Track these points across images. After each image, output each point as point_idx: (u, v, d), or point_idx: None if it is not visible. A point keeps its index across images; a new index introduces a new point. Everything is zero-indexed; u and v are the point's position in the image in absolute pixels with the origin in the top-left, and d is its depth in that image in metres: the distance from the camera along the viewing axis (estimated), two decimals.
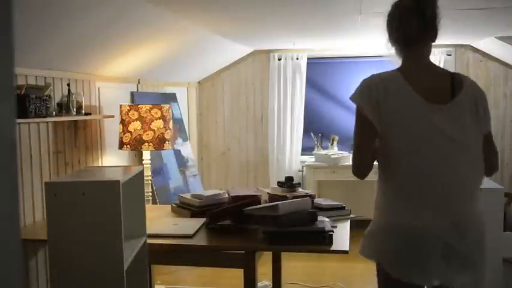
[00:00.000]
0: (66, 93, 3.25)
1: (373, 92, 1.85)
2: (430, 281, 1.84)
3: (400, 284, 1.83)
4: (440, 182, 1.78)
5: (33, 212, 3.05)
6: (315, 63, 5.87)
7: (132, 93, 4.51)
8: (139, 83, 4.63)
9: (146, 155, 4.00)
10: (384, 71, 1.93)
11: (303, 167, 5.75)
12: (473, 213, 1.82)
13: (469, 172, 1.83)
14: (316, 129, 5.76)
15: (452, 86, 1.86)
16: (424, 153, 1.79)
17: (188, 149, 5.34)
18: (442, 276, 1.82)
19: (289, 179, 3.18)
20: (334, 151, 5.55)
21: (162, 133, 3.85)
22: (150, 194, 4.05)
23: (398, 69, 1.91)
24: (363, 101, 1.89)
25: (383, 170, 1.88)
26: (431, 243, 1.76)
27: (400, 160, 1.81)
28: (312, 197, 3.05)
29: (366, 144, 1.88)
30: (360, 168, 1.90)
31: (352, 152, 1.94)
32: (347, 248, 2.49)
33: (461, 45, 5.59)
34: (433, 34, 1.91)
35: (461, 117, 1.83)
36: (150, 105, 3.84)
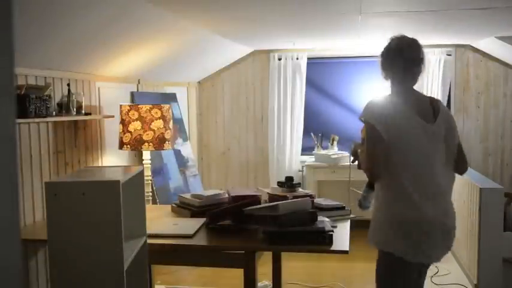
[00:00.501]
0: (66, 93, 3.25)
1: (381, 114, 2.30)
2: (432, 258, 2.39)
3: (406, 265, 2.36)
4: (433, 184, 2.32)
5: (33, 212, 3.05)
6: (315, 63, 5.87)
7: (132, 93, 4.51)
8: (139, 83, 4.63)
9: (146, 155, 4.00)
10: (382, 94, 2.43)
11: (303, 167, 5.75)
12: (451, 202, 2.41)
13: (447, 175, 2.38)
14: (316, 129, 5.76)
15: (433, 109, 2.37)
16: (422, 163, 2.31)
17: (188, 149, 5.34)
18: (438, 252, 2.39)
19: (289, 179, 3.19)
20: (334, 151, 5.55)
21: (162, 133, 3.85)
22: (150, 194, 4.05)
23: (394, 94, 2.41)
24: (375, 120, 2.29)
25: (389, 174, 2.31)
26: (432, 227, 2.29)
27: (405, 167, 2.28)
28: (312, 197, 3.06)
29: (378, 154, 2.29)
30: (375, 173, 2.34)
31: (367, 161, 2.35)
32: (347, 248, 2.49)
33: (462, 45, 5.59)
34: (422, 67, 2.53)
35: (441, 134, 2.34)
36: (150, 105, 3.84)
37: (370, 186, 2.49)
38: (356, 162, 2.52)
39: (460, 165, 2.42)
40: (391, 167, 2.28)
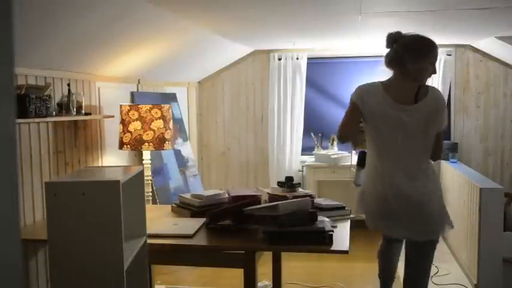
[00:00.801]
0: (66, 93, 3.25)
1: (363, 93, 2.69)
2: (400, 231, 2.70)
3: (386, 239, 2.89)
4: (406, 162, 2.61)
5: (33, 212, 3.05)
6: (315, 63, 5.87)
7: (132, 93, 4.51)
8: (139, 83, 4.63)
9: (146, 155, 4.00)
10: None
11: (303, 167, 5.75)
12: (425, 185, 2.59)
13: (417, 154, 2.63)
14: (316, 129, 5.76)
15: (416, 96, 2.63)
16: (393, 140, 2.61)
17: (188, 149, 5.34)
18: (414, 232, 2.66)
19: (289, 179, 3.19)
20: (334, 151, 5.55)
21: (162, 133, 3.85)
22: (150, 194, 4.05)
23: (382, 82, 2.72)
24: (356, 97, 2.69)
25: (370, 151, 2.73)
26: (402, 204, 2.58)
27: (379, 145, 2.67)
28: (312, 197, 3.06)
29: (351, 121, 2.70)
30: (343, 135, 2.73)
31: (340, 124, 2.71)
32: (347, 248, 2.49)
33: (462, 45, 5.59)
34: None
35: (418, 116, 2.59)
36: (150, 105, 3.84)
37: (360, 164, 2.80)
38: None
39: (433, 149, 2.65)
40: (371, 144, 2.71)
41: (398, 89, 2.65)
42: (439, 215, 2.64)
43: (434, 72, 2.72)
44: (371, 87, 2.69)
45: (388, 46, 2.70)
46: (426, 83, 2.71)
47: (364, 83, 2.76)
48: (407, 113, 2.59)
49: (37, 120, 2.88)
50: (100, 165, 3.90)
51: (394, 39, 2.68)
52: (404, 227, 2.61)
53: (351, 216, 3.09)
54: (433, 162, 2.76)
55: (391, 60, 2.68)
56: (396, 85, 2.67)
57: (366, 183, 2.73)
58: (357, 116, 2.67)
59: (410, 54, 2.62)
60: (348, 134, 2.73)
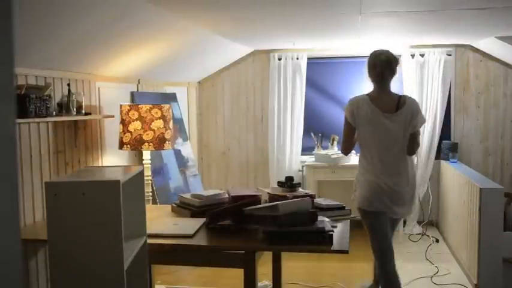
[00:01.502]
0: (66, 93, 3.25)
1: (353, 107, 3.23)
2: (385, 209, 3.19)
3: (372, 213, 3.21)
4: (388, 161, 3.20)
5: (33, 212, 3.05)
6: (315, 63, 5.87)
7: (132, 93, 4.51)
8: (139, 83, 4.63)
9: (146, 155, 4.00)
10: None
11: (303, 167, 5.75)
12: (402, 175, 3.21)
13: (398, 153, 3.20)
14: (316, 129, 5.76)
15: (397, 104, 3.19)
16: (379, 143, 3.20)
17: (188, 149, 5.34)
18: (388, 208, 3.20)
19: (289, 179, 3.18)
20: (334, 151, 5.55)
21: (162, 133, 3.85)
22: (150, 194, 4.05)
23: (368, 94, 3.27)
24: (349, 114, 3.24)
25: (360, 150, 3.30)
26: (385, 190, 3.16)
27: (367, 147, 3.23)
28: (312, 197, 3.06)
29: (349, 136, 3.30)
30: (347, 149, 3.38)
31: (342, 141, 3.36)
32: (347, 248, 2.49)
33: (462, 45, 5.59)
34: (392, 77, 3.28)
35: (399, 121, 3.17)
36: (150, 105, 3.84)
37: None
38: None
39: (409, 147, 3.22)
40: (361, 146, 3.29)
41: (383, 100, 3.23)
42: (412, 201, 3.34)
43: (391, 74, 3.28)
44: (360, 101, 3.24)
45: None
46: (386, 88, 3.27)
47: (353, 97, 3.30)
48: (390, 120, 3.18)
49: (37, 120, 2.88)
50: (100, 165, 3.90)
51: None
52: (387, 209, 3.21)
53: (351, 216, 3.09)
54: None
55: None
56: (380, 97, 3.24)
57: (359, 179, 3.30)
58: (353, 131, 3.28)
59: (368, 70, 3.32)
60: (350, 147, 3.40)
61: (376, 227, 3.24)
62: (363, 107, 3.20)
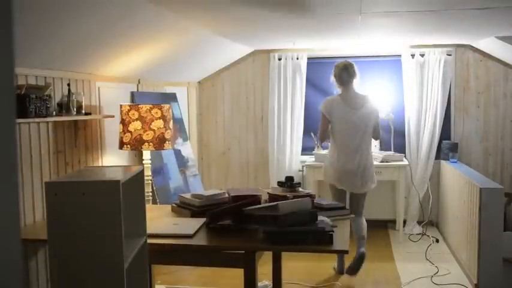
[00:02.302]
0: (66, 93, 3.25)
1: (327, 105, 4.26)
2: (348, 188, 4.27)
3: (338, 190, 4.26)
4: (353, 146, 4.17)
5: (33, 212, 3.05)
6: (315, 63, 5.87)
7: (132, 93, 4.51)
8: (139, 82, 4.63)
9: (146, 155, 4.00)
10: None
11: (303, 166, 5.75)
12: (366, 160, 4.22)
13: (363, 141, 4.20)
14: (316, 129, 5.73)
15: (362, 102, 4.22)
16: (346, 133, 4.19)
17: (188, 149, 5.34)
18: (352, 187, 4.25)
19: (290, 178, 3.18)
20: None
21: (162, 133, 3.85)
22: (150, 193, 4.05)
23: (339, 94, 4.29)
24: (325, 109, 4.24)
25: (332, 140, 4.28)
26: (350, 173, 4.17)
27: (337, 136, 4.21)
28: (312, 196, 3.05)
29: (325, 127, 4.25)
30: (322, 138, 4.35)
31: (319, 131, 4.33)
32: (347, 248, 2.49)
33: (462, 45, 5.59)
34: (354, 79, 4.26)
35: (363, 116, 4.20)
36: (150, 105, 3.84)
37: None
38: None
39: (374, 134, 4.30)
40: (332, 137, 4.26)
41: (352, 99, 4.24)
42: (370, 179, 4.25)
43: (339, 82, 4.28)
44: (334, 100, 4.27)
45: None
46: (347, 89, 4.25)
47: (327, 98, 4.41)
48: (356, 114, 4.19)
49: (37, 120, 2.88)
50: (100, 165, 3.90)
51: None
52: (349, 185, 4.23)
53: (351, 216, 3.09)
54: (375, 141, 4.60)
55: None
56: (349, 96, 4.25)
57: (328, 161, 4.31)
58: (327, 123, 4.23)
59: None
60: (325, 136, 4.31)
61: (336, 197, 4.28)
62: (336, 105, 4.20)
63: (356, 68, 4.26)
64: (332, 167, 4.22)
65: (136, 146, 3.80)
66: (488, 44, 5.20)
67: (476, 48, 5.58)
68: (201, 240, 2.64)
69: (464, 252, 4.40)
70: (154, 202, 4.41)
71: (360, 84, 4.31)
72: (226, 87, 6.04)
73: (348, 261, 4.29)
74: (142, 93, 4.67)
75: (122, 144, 3.83)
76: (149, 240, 2.55)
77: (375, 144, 4.70)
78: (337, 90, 4.34)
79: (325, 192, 5.56)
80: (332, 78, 4.29)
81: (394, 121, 5.58)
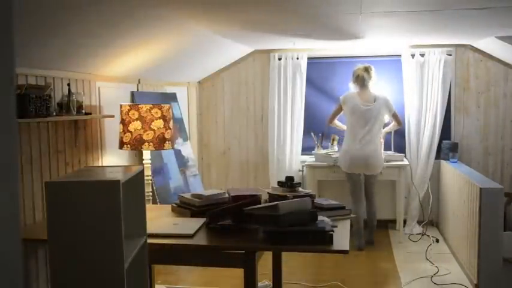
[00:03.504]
0: (66, 93, 3.25)
1: (345, 98, 5.07)
2: (357, 170, 5.00)
3: (352, 175, 5.04)
4: (360, 135, 4.92)
5: (33, 212, 3.05)
6: (315, 63, 5.87)
7: (132, 93, 4.51)
8: (139, 82, 4.63)
9: (146, 155, 4.00)
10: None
11: (303, 166, 5.75)
12: (375, 148, 4.92)
13: (374, 131, 4.92)
14: (316, 129, 5.76)
15: (374, 99, 4.97)
16: (358, 123, 4.95)
17: (188, 149, 5.34)
18: (365, 170, 5.00)
19: (290, 178, 3.18)
20: (334, 151, 5.55)
21: (163, 133, 3.85)
22: (151, 193, 4.05)
23: (357, 91, 5.03)
24: (342, 101, 5.08)
25: (346, 130, 5.08)
26: (360, 158, 4.92)
27: (348, 125, 5.03)
28: (312, 196, 3.05)
29: (336, 113, 5.24)
30: (329, 120, 5.29)
31: (330, 114, 5.28)
32: (347, 248, 2.48)
33: (462, 45, 5.59)
34: (371, 80, 5.04)
35: (375, 110, 4.94)
36: (151, 105, 3.84)
37: None
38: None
39: (396, 120, 5.17)
40: (347, 125, 5.06)
41: (365, 95, 5.00)
42: (379, 163, 4.97)
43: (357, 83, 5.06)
44: (351, 94, 5.05)
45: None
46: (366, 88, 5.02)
47: (347, 93, 5.12)
48: (369, 108, 4.93)
49: (37, 120, 2.88)
50: (100, 165, 3.90)
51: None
52: (362, 168, 4.97)
53: (351, 216, 3.09)
54: (382, 134, 5.11)
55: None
56: (363, 93, 5.01)
57: (342, 150, 5.08)
58: (339, 111, 5.17)
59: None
60: (331, 120, 5.27)
61: (352, 185, 5.07)
62: (351, 99, 5.00)
63: (374, 70, 5.04)
64: (344, 154, 5.00)
65: (136, 146, 3.80)
66: (489, 44, 5.20)
67: (477, 48, 5.58)
68: (201, 240, 2.64)
69: (464, 252, 4.40)
70: (154, 202, 4.41)
71: (375, 85, 5.07)
72: (226, 87, 6.04)
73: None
74: (142, 93, 4.67)
75: (122, 144, 3.83)
76: (149, 240, 2.55)
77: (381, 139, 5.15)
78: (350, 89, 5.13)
79: (325, 192, 5.56)
80: (352, 80, 5.10)
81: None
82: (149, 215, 2.72)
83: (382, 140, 5.11)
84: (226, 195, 3.24)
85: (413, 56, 5.59)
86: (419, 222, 5.67)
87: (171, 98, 5.19)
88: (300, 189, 3.21)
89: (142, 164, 3.93)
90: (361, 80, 4.97)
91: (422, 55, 5.59)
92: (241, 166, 6.07)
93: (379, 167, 5.02)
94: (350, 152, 4.92)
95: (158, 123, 3.82)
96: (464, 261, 4.40)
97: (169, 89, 5.29)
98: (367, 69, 5.00)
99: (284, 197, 2.99)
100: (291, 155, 5.78)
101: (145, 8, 3.12)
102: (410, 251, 5.02)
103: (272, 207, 2.62)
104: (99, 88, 3.89)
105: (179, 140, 5.16)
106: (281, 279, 3.49)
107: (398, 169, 5.33)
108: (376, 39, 5.02)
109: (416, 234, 5.51)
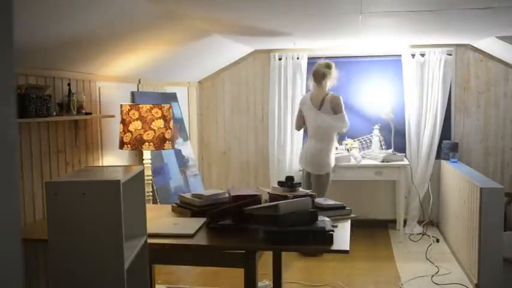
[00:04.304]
0: (66, 92, 3.25)
1: (301, 101, 5.12)
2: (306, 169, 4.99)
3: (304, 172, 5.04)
4: (315, 134, 4.90)
5: (33, 212, 3.05)
6: (315, 63, 5.85)
7: (132, 93, 4.51)
8: (139, 82, 4.63)
9: (147, 155, 4.00)
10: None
11: None
12: (320, 149, 4.88)
13: (323, 134, 4.87)
14: None
15: (322, 100, 4.90)
16: (311, 125, 4.93)
17: (189, 149, 5.34)
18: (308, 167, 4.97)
19: (290, 178, 3.18)
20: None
21: (163, 133, 3.85)
22: (151, 193, 4.05)
23: (310, 92, 5.03)
24: (300, 103, 5.12)
25: (305, 130, 5.15)
26: (308, 156, 4.93)
27: (308, 128, 5.01)
28: (312, 196, 3.05)
29: (299, 119, 5.09)
30: (296, 127, 5.18)
31: (296, 121, 5.17)
32: (347, 248, 2.49)
33: (462, 45, 5.59)
34: (324, 79, 4.90)
35: (326, 112, 4.86)
36: (151, 105, 3.84)
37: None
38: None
39: (341, 126, 4.96)
40: (305, 128, 5.10)
41: (314, 96, 4.95)
42: (324, 163, 4.85)
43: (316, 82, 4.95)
44: (305, 97, 5.05)
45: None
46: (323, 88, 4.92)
47: (303, 95, 5.27)
48: (315, 111, 4.91)
49: (37, 120, 2.88)
50: (100, 165, 3.90)
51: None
52: (309, 167, 4.93)
53: (351, 216, 3.09)
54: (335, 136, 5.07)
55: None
56: (313, 93, 4.98)
57: (303, 148, 5.18)
58: (300, 114, 5.07)
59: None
60: (299, 126, 5.13)
61: (304, 178, 5.12)
62: (305, 102, 4.98)
63: (327, 70, 4.93)
64: (302, 153, 5.18)
65: (136, 145, 3.80)
66: (489, 43, 5.20)
67: (477, 48, 5.58)
68: (201, 240, 2.64)
69: (464, 252, 4.40)
70: (154, 202, 4.41)
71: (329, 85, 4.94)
72: (226, 87, 6.04)
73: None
74: (142, 93, 4.67)
75: (122, 144, 3.83)
76: (149, 240, 2.55)
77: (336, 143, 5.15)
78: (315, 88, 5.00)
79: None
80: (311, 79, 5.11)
81: (395, 121, 5.58)
82: (149, 215, 2.72)
83: (333, 143, 4.94)
84: (227, 195, 3.24)
85: (413, 56, 5.59)
86: (419, 222, 5.67)
87: (171, 98, 5.19)
88: (300, 189, 3.21)
89: (143, 164, 3.93)
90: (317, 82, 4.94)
91: (422, 55, 5.59)
92: (242, 166, 6.07)
93: (324, 168, 4.84)
94: (305, 152, 5.00)
95: (158, 123, 3.82)
96: (464, 261, 4.40)
97: (169, 89, 5.29)
98: (317, 70, 4.93)
99: (284, 197, 2.99)
100: (291, 155, 5.78)
101: (145, 8, 3.12)
102: (410, 251, 5.02)
103: (272, 207, 2.62)
104: (99, 88, 3.89)
105: (179, 140, 5.16)
106: (281, 279, 3.49)
107: (399, 169, 5.33)
108: (376, 39, 5.02)
109: (417, 234, 5.51)
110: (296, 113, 5.24)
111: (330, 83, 4.88)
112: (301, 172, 5.91)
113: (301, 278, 4.27)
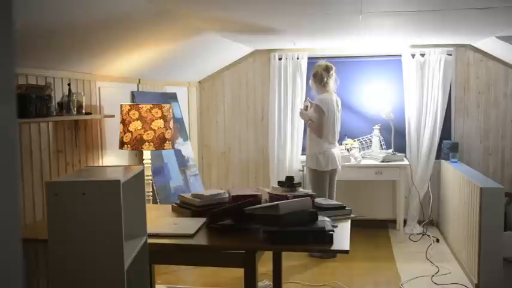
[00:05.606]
0: (66, 92, 3.25)
1: (326, 106, 4.81)
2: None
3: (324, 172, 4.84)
4: (334, 136, 4.87)
5: (33, 212, 3.05)
6: (315, 63, 5.85)
7: (132, 93, 4.51)
8: (139, 82, 4.63)
9: (147, 155, 4.00)
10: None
11: (303, 166, 5.74)
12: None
13: (337, 132, 4.93)
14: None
15: (336, 102, 4.92)
16: (334, 129, 4.87)
17: (189, 149, 5.34)
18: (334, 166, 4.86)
19: (290, 178, 3.18)
20: None
21: (163, 133, 3.85)
22: (151, 193, 4.05)
23: (325, 95, 4.86)
24: (324, 106, 4.82)
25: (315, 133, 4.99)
26: (331, 157, 4.79)
27: (329, 131, 4.85)
28: (312, 196, 3.05)
29: (324, 123, 4.85)
30: (323, 134, 4.84)
31: (319, 127, 4.81)
32: (347, 248, 2.49)
33: (462, 45, 5.58)
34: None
35: (338, 114, 4.92)
36: (151, 105, 3.84)
37: None
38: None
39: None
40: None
41: (333, 99, 4.87)
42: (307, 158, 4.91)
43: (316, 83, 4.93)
44: (327, 101, 4.80)
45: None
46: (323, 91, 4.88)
47: (321, 100, 4.81)
48: (337, 112, 4.92)
49: (38, 120, 2.88)
50: (100, 165, 3.90)
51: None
52: (339, 165, 4.91)
53: (351, 216, 3.09)
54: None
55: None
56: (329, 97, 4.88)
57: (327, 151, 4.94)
58: (325, 117, 4.82)
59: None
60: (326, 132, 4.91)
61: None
62: (330, 104, 4.81)
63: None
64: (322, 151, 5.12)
65: (136, 145, 3.80)
66: (489, 44, 5.20)
67: (477, 48, 5.58)
68: (201, 240, 2.64)
69: (464, 252, 4.40)
70: (154, 202, 4.41)
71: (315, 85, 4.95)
72: (226, 87, 6.04)
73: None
74: (142, 93, 4.67)
75: (122, 144, 3.83)
76: (149, 240, 2.55)
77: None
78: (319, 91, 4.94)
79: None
80: (315, 84, 5.00)
81: (395, 121, 5.58)
82: (149, 215, 2.72)
83: (309, 142, 4.95)
84: (227, 195, 3.24)
85: (413, 56, 5.59)
86: (419, 222, 5.67)
87: (172, 98, 5.19)
88: (300, 189, 3.21)
89: (143, 164, 3.93)
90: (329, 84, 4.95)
91: (422, 55, 5.59)
92: (242, 166, 6.07)
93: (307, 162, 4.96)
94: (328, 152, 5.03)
95: (158, 123, 3.82)
96: (464, 261, 4.40)
97: (169, 89, 5.29)
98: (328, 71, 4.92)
99: (284, 197, 2.99)
100: (291, 155, 5.78)
101: (145, 8, 3.12)
102: (410, 251, 5.02)
103: (272, 207, 2.62)
104: (99, 88, 3.89)
105: (179, 140, 5.16)
106: (281, 279, 3.49)
107: (399, 169, 5.32)
108: (376, 39, 5.02)
109: (417, 234, 5.51)
110: (316, 118, 4.81)
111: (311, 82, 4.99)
112: (301, 172, 5.92)
113: (301, 278, 4.26)
